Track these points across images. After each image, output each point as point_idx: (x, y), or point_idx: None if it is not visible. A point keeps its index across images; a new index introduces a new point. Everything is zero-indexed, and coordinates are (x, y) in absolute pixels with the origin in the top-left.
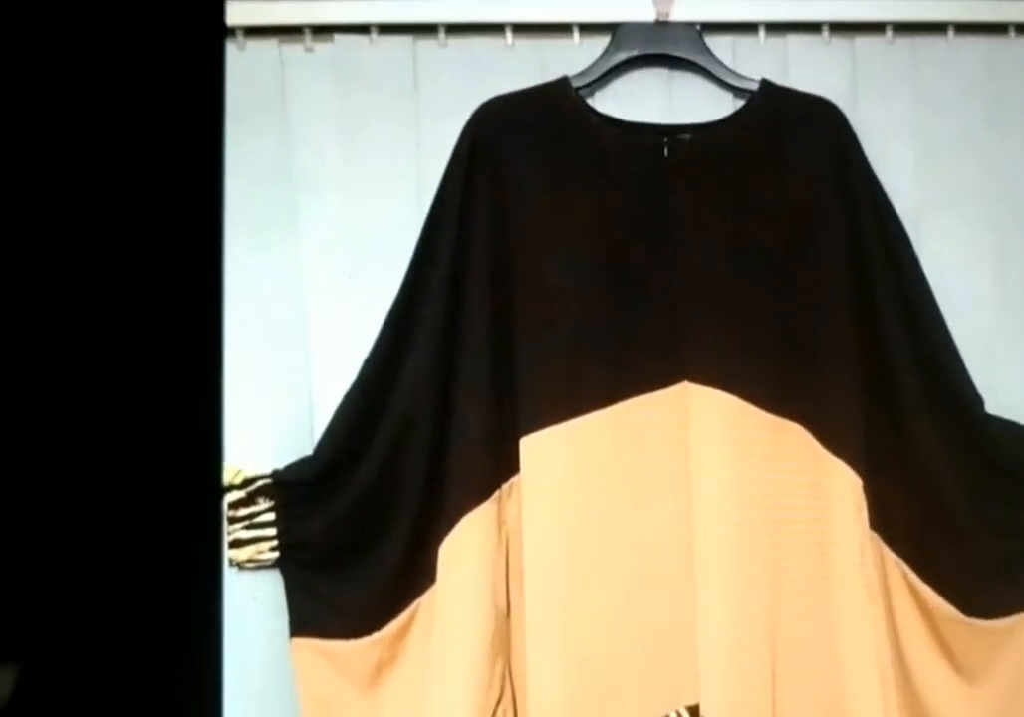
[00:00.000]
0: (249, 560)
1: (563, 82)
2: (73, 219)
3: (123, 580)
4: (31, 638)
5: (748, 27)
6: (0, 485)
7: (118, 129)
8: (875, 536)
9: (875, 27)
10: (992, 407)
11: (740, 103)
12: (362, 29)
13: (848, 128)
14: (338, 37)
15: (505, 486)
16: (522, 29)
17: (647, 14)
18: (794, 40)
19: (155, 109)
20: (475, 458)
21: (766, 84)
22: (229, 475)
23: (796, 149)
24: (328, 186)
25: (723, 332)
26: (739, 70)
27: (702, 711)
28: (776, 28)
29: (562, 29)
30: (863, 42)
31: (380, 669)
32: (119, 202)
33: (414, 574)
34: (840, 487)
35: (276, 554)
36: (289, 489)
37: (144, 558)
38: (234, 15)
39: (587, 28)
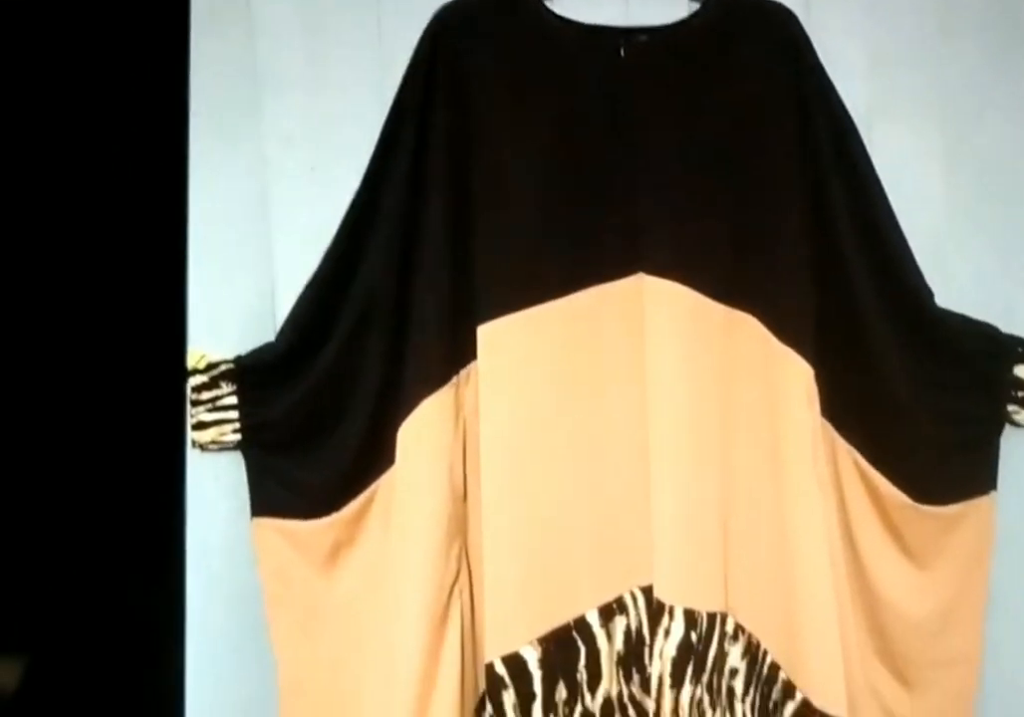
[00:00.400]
0: (212, 442)
1: None
2: (43, 113)
3: (88, 462)
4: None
5: None
6: None
7: (84, 25)
8: (826, 424)
9: None
10: (942, 301)
11: (695, 7)
12: None
13: (801, 30)
14: None
15: (463, 372)
16: None
17: None
18: None
19: (122, 7)
20: (433, 345)
21: None
22: (193, 359)
23: (749, 50)
24: (292, 81)
25: (677, 225)
26: None
27: (655, 592)
28: None
29: None
30: None
31: (338, 548)
32: (87, 95)
33: (373, 457)
34: (792, 376)
35: (238, 437)
36: (251, 374)
37: (108, 440)
38: None
39: None
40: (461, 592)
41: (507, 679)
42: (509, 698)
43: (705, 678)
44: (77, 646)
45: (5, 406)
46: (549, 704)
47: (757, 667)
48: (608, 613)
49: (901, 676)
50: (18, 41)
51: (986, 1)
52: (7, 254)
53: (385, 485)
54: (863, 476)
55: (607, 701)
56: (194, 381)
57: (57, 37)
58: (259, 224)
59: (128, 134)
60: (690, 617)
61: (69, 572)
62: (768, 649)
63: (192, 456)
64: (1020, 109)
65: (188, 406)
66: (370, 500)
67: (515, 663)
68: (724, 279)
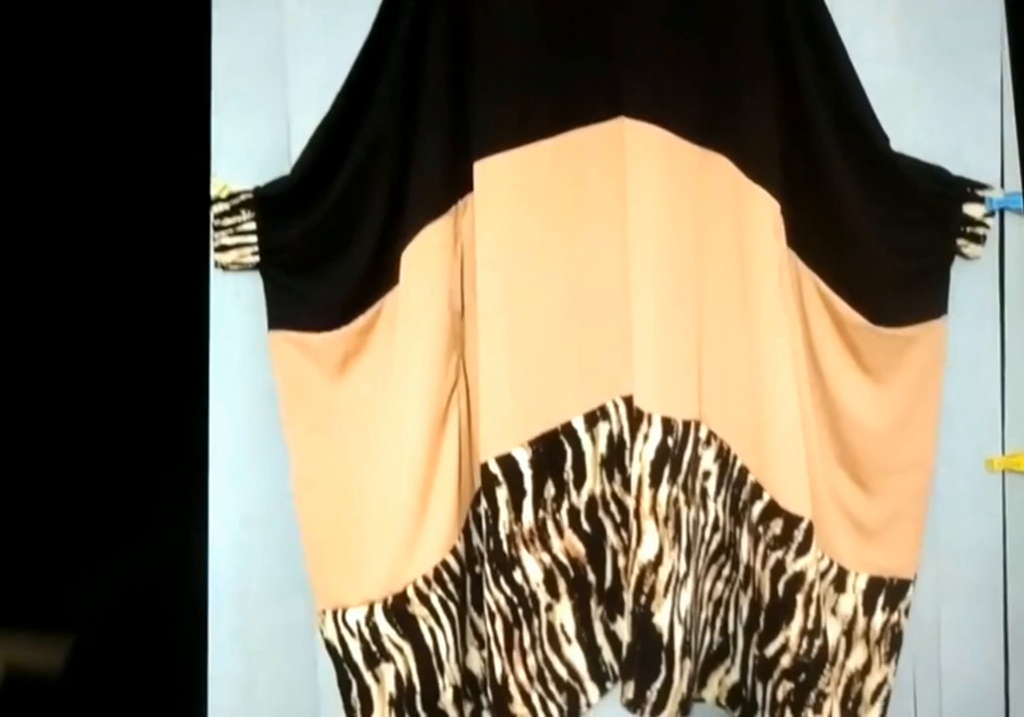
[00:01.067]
0: (233, 263)
1: None
2: None
3: (120, 280)
4: None
5: None
6: None
7: None
8: (791, 253)
9: None
10: (896, 146)
11: None
12: None
13: None
14: None
15: (461, 203)
16: None
17: None
18: None
19: None
20: (435, 177)
21: None
22: (216, 189)
23: None
24: None
25: (656, 73)
26: None
27: (635, 401)
28: None
29: None
30: None
31: (347, 358)
32: None
33: (379, 276)
34: (760, 210)
35: (257, 258)
36: (269, 202)
37: (140, 261)
38: None
39: None
40: (459, 398)
41: (500, 477)
42: (502, 494)
43: (680, 479)
44: (105, 435)
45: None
46: (539, 500)
47: (728, 470)
48: (592, 419)
49: (860, 481)
50: None
51: None
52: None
53: (390, 302)
54: (825, 300)
55: (591, 498)
56: (217, 209)
57: None
58: (276, 70)
59: None
60: (667, 424)
61: (97, 387)
62: (738, 454)
63: (215, 275)
64: None
65: (212, 231)
66: (377, 314)
67: (508, 463)
68: (698, 122)
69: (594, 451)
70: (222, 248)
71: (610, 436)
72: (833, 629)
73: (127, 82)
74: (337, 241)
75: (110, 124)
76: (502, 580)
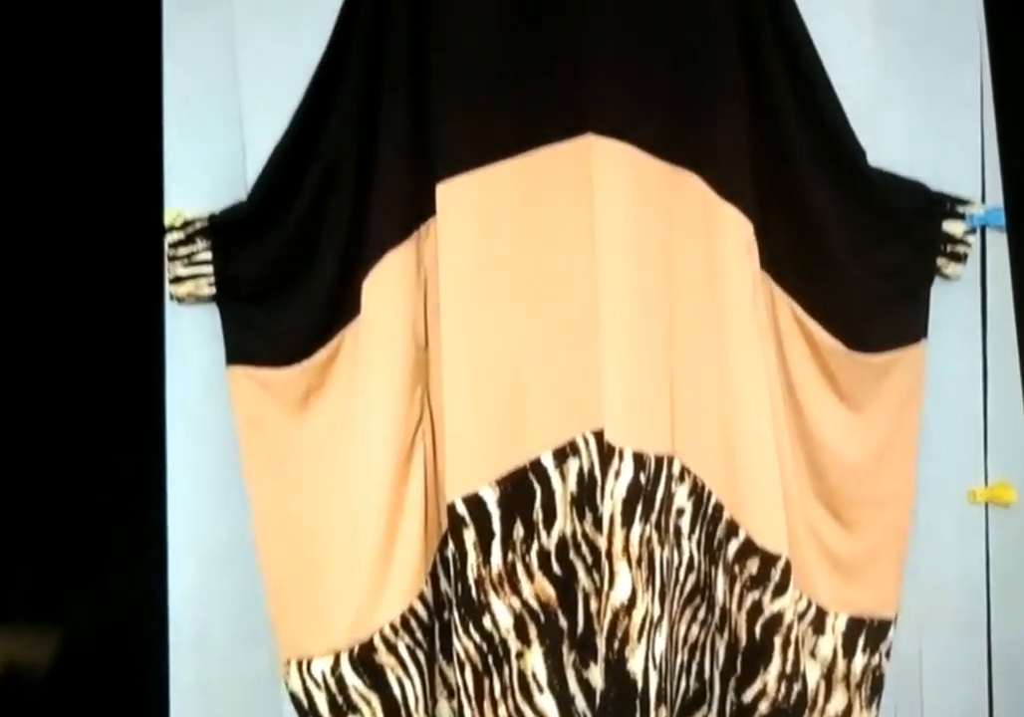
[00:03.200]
0: (189, 294)
1: None
2: None
3: (73, 315)
4: None
5: None
6: None
7: None
8: (766, 275)
9: None
10: (873, 159)
11: None
12: None
13: None
14: None
15: (423, 227)
16: None
17: None
18: None
19: None
20: (395, 200)
21: None
22: (169, 217)
23: None
24: None
25: (622, 88)
26: None
27: (606, 435)
28: None
29: None
30: None
31: (309, 394)
32: None
33: (340, 307)
34: (732, 230)
35: (213, 290)
36: (225, 230)
37: (92, 294)
38: None
39: None
40: (424, 435)
41: (468, 518)
42: (470, 536)
43: (653, 517)
44: (58, 473)
45: None
46: (508, 542)
47: (702, 507)
48: (562, 455)
49: (839, 515)
50: None
51: None
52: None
53: (351, 333)
54: (800, 325)
55: (562, 539)
56: (171, 238)
57: None
58: (229, 90)
59: (105, 5)
60: (639, 459)
61: (60, 418)
62: (712, 490)
63: (170, 308)
64: None
65: (166, 262)
66: (338, 348)
67: (475, 503)
68: (667, 139)
69: (564, 489)
70: (177, 279)
71: (580, 473)
72: (812, 673)
73: (76, 105)
74: (296, 270)
75: (59, 150)
76: (471, 626)
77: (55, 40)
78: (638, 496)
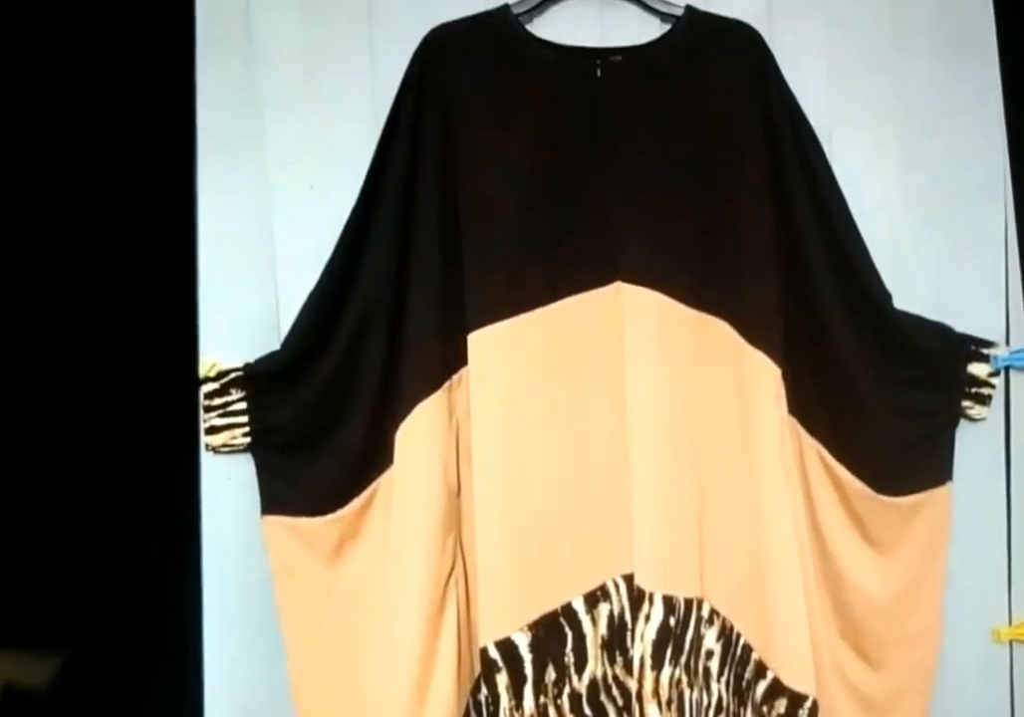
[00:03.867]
0: (224, 445)
1: (504, 9)
2: (65, 142)
3: (108, 467)
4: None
5: None
6: None
7: (96, 56)
8: (793, 421)
9: None
10: (899, 302)
11: (667, 27)
12: None
13: (765, 47)
14: None
15: (455, 377)
16: None
17: None
18: None
19: (130, 38)
20: (427, 352)
21: (690, 9)
22: (204, 368)
23: (717, 67)
24: (291, 105)
25: (652, 235)
26: None
27: (636, 580)
28: None
29: None
30: None
31: (343, 543)
32: (105, 124)
33: (373, 457)
34: (760, 376)
35: (248, 440)
36: (259, 380)
37: (128, 446)
38: None
39: None
40: (457, 582)
41: (500, 662)
42: (503, 680)
43: (683, 659)
44: (99, 638)
45: (33, 413)
46: (539, 685)
47: (731, 649)
48: (593, 600)
49: (865, 655)
50: (33, 71)
51: (937, 18)
52: (32, 268)
53: (385, 483)
54: (827, 469)
55: (593, 682)
56: (206, 388)
57: (73, 69)
58: (263, 240)
59: (140, 160)
60: (668, 603)
61: (92, 569)
62: (741, 632)
63: (206, 458)
64: (971, 118)
65: (201, 412)
66: (372, 497)
67: (507, 647)
68: (696, 286)
69: (595, 633)
70: (212, 429)
71: (611, 617)
72: None
73: (112, 259)
74: (329, 420)
75: (95, 305)
76: None
77: (93, 201)
78: (668, 639)
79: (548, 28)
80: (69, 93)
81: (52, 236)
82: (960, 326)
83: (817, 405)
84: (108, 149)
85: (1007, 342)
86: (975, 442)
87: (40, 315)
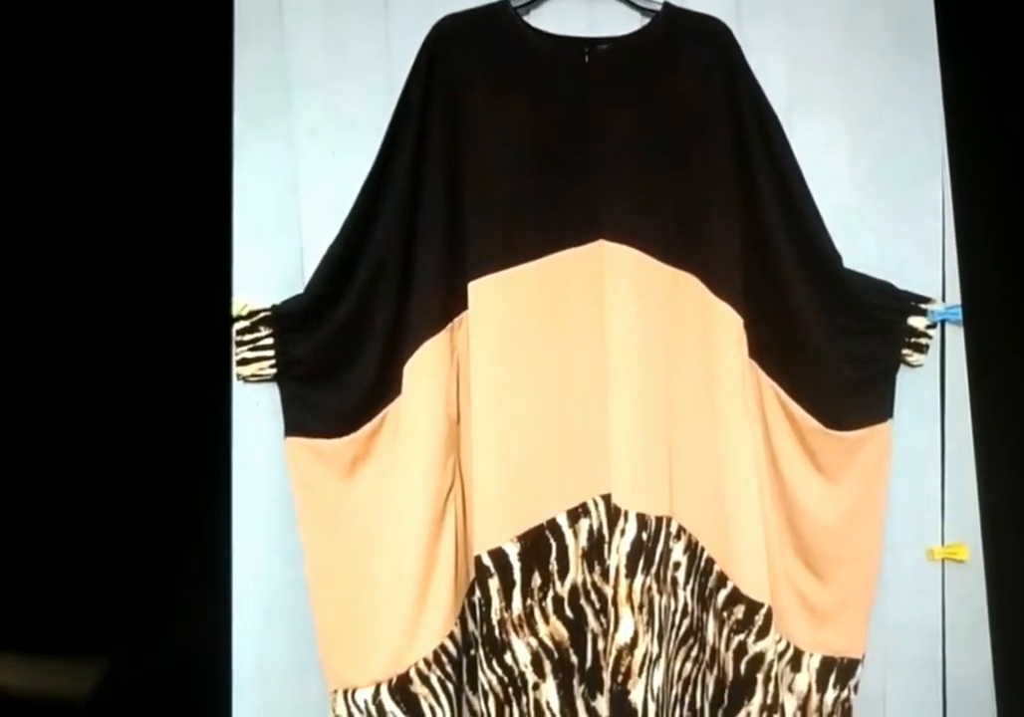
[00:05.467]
0: (252, 375)
1: (504, 3)
2: (107, 122)
3: (149, 394)
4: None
5: None
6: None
7: (146, 45)
8: (753, 364)
9: None
10: (848, 263)
11: (647, 21)
12: None
13: (732, 37)
14: None
15: (456, 320)
16: None
17: None
18: None
19: (179, 28)
20: (432, 297)
21: (667, 6)
22: (237, 308)
23: (690, 54)
24: (316, 83)
25: (631, 200)
26: None
27: (613, 499)
28: None
29: None
30: None
31: (355, 462)
32: (157, 99)
33: (383, 388)
34: (724, 324)
35: (274, 371)
36: (284, 319)
37: (167, 377)
38: None
39: None
40: (455, 497)
41: (492, 569)
42: (494, 584)
43: (653, 569)
44: (136, 543)
45: (87, 347)
46: (527, 590)
47: (696, 561)
48: (575, 516)
49: (814, 569)
50: (76, 46)
51: (884, 21)
52: (92, 221)
53: (394, 411)
54: (783, 406)
55: (574, 587)
56: (238, 326)
57: (114, 50)
58: (290, 200)
59: (183, 131)
60: (641, 519)
61: (131, 480)
62: (705, 547)
63: (237, 387)
64: (914, 106)
65: (233, 346)
66: (381, 422)
67: (499, 556)
68: (669, 245)
69: (576, 544)
70: (243, 361)
71: (590, 531)
72: (789, 705)
73: (157, 216)
74: (346, 354)
75: (143, 253)
76: (494, 662)
77: (137, 159)
78: (640, 551)
79: (543, 20)
80: (129, 71)
81: (113, 194)
82: (901, 284)
83: (775, 351)
84: (159, 120)
85: (943, 299)
86: (914, 385)
87: (108, 269)
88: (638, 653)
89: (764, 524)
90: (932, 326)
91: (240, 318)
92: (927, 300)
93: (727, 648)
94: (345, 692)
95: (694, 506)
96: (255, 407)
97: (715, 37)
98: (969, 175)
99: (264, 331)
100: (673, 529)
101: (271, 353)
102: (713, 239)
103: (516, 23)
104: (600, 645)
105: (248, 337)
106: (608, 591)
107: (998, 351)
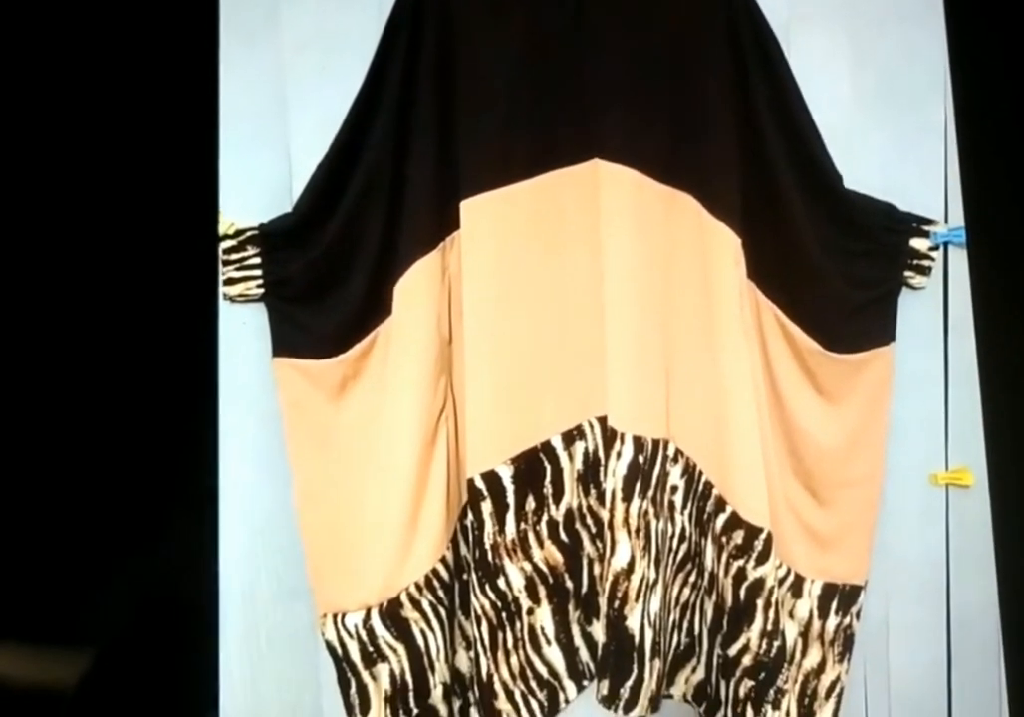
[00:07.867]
0: (239, 295)
1: None
2: (90, 33)
3: (136, 312)
4: None
5: None
6: None
7: None
8: (752, 284)
9: None
10: (849, 184)
11: None
12: None
13: None
14: None
15: (448, 239)
16: None
17: None
18: None
19: None
20: (424, 216)
21: None
22: (224, 227)
23: None
24: None
25: (626, 118)
26: None
27: (609, 421)
28: None
29: None
30: None
31: (345, 382)
32: (138, 12)
33: (374, 307)
34: (721, 244)
35: (261, 290)
36: (272, 238)
37: (153, 295)
38: None
39: None
40: (447, 419)
41: (485, 492)
42: (487, 507)
43: (650, 493)
44: (120, 461)
45: (75, 270)
46: (520, 513)
47: (694, 485)
48: (570, 438)
49: (815, 494)
50: None
51: None
52: (75, 144)
53: (384, 331)
54: (783, 328)
55: (569, 511)
56: (225, 245)
57: None
58: (279, 116)
59: (169, 43)
60: (638, 442)
61: (118, 394)
62: (703, 470)
63: (224, 306)
64: (916, 21)
65: (220, 266)
66: (372, 343)
67: (492, 479)
68: (666, 164)
69: (571, 467)
70: (229, 281)
71: (586, 453)
72: (790, 631)
73: (141, 131)
74: (335, 274)
75: (126, 169)
76: (487, 587)
77: (121, 74)
78: (637, 474)
79: None
80: None
81: (94, 107)
82: (904, 206)
83: (775, 272)
84: (141, 34)
85: (946, 220)
86: (917, 308)
87: (91, 186)
88: (635, 578)
89: (763, 447)
90: (935, 248)
91: (227, 237)
92: (930, 222)
93: (726, 573)
94: (335, 616)
95: (692, 429)
96: (242, 327)
97: None
98: (973, 95)
99: (251, 250)
100: (671, 452)
101: (258, 272)
102: (710, 159)
103: None
104: (596, 570)
105: (235, 256)
106: (604, 515)
107: (1002, 273)
